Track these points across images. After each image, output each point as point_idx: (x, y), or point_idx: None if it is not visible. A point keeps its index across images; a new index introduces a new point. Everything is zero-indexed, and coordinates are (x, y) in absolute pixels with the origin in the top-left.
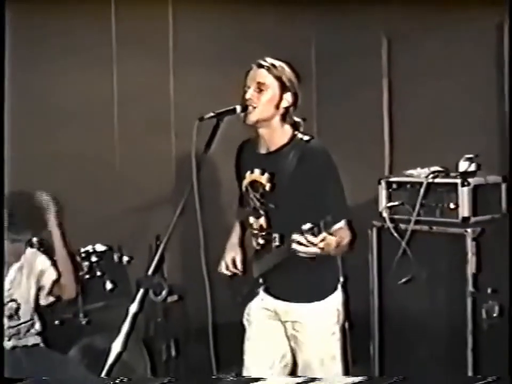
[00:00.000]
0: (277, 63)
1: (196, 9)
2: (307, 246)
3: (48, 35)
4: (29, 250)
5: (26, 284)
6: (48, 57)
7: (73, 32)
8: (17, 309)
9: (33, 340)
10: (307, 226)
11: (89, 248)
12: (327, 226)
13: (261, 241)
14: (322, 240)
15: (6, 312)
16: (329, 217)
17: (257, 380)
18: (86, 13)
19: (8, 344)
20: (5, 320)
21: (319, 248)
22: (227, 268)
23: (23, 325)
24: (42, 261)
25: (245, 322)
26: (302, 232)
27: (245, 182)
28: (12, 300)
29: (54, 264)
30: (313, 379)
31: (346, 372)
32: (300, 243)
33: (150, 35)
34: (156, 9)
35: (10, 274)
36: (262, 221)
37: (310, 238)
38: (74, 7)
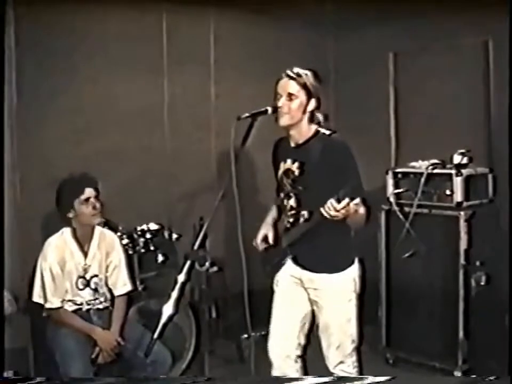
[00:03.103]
0: (302, 71)
1: (233, 27)
2: (332, 210)
3: (109, 50)
4: (99, 229)
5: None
6: (110, 69)
7: (131, 48)
8: (100, 284)
9: (104, 304)
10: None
11: (144, 226)
12: (346, 194)
13: (291, 219)
14: (344, 207)
15: (92, 286)
16: (348, 187)
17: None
18: (142, 33)
19: (85, 307)
20: (89, 291)
21: (341, 213)
22: (258, 243)
23: (101, 297)
24: (109, 243)
25: (274, 286)
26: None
27: (280, 171)
28: (95, 276)
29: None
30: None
31: (360, 333)
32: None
33: (195, 49)
34: (200, 27)
35: (91, 251)
36: (292, 201)
37: (335, 204)
38: (132, 26)
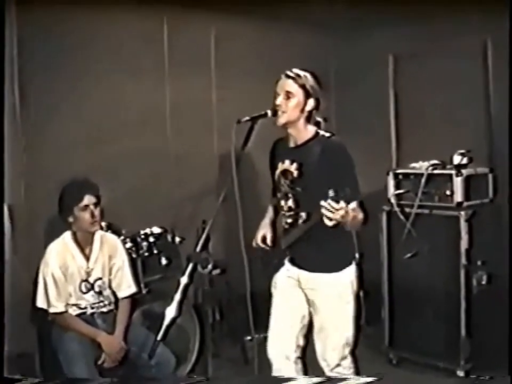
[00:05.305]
0: (302, 73)
1: (234, 31)
2: (331, 211)
3: (111, 55)
4: (100, 233)
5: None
6: (112, 74)
7: (133, 52)
8: (104, 287)
9: (108, 307)
10: (331, 193)
11: (148, 230)
12: (346, 196)
13: (289, 220)
14: (342, 209)
15: (96, 289)
16: (348, 189)
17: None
18: (143, 37)
19: (89, 311)
20: (93, 294)
21: (339, 214)
22: (257, 244)
23: (106, 300)
24: (111, 246)
25: (272, 289)
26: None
27: (277, 172)
28: (99, 279)
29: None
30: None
31: (357, 333)
32: (326, 208)
33: (196, 52)
34: (201, 31)
35: (93, 254)
36: (291, 202)
37: (333, 204)
38: (134, 30)
